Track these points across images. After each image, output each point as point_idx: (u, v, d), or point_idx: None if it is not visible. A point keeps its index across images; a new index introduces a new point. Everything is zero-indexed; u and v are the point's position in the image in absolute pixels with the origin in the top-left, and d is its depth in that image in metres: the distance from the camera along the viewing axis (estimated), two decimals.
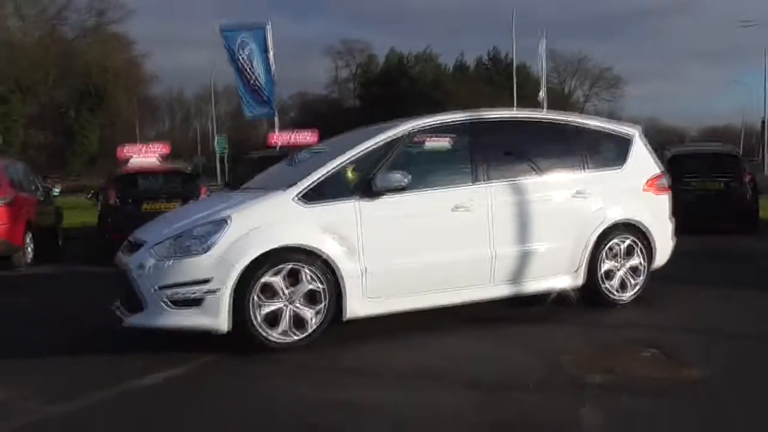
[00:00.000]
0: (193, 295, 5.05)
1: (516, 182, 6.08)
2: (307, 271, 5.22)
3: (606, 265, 6.42)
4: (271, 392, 4.41)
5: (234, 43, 15.88)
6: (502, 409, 4.01)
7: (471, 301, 5.94)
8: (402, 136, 5.76)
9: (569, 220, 6.28)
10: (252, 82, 16.00)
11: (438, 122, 6.07)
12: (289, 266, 5.18)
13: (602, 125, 6.90)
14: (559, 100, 56.89)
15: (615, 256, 6.47)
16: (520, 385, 4.37)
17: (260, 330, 5.12)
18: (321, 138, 13.46)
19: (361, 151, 5.62)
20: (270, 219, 5.26)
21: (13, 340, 6.00)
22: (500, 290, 6.04)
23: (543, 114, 6.61)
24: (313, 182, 5.41)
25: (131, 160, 12.29)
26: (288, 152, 12.27)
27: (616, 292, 6.48)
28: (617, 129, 6.93)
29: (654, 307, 6.42)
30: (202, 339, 5.23)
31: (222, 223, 5.16)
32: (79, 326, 6.34)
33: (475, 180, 5.93)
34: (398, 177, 5.46)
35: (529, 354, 5.08)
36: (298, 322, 5.23)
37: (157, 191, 11.66)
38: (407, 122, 5.97)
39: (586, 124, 6.80)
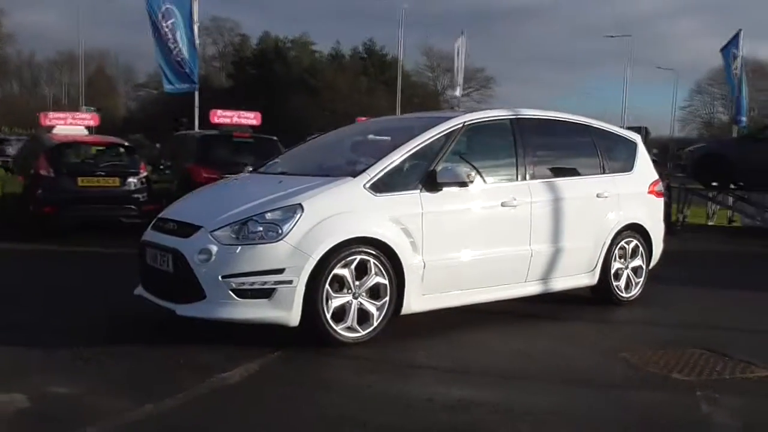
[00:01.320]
0: (263, 286, 4.73)
1: (551, 181, 6.19)
2: (375, 263, 5.04)
3: (616, 265, 6.69)
4: (358, 389, 4.22)
5: (158, 11, 14.89)
6: (618, 407, 4.07)
7: (508, 298, 5.98)
8: (456, 128, 5.68)
9: (592, 220, 6.48)
10: (175, 53, 15.09)
11: (489, 118, 6.04)
12: (359, 258, 4.97)
13: (616, 129, 7.17)
14: (431, 97, 58.23)
15: (623, 256, 6.76)
16: (612, 382, 4.47)
17: (329, 324, 4.88)
18: (264, 121, 12.96)
19: (423, 141, 5.48)
20: (342, 208, 5.01)
21: (38, 328, 5.37)
22: (532, 288, 6.13)
23: (570, 115, 6.76)
24: (381, 171, 5.22)
25: (55, 129, 11.18)
26: (226, 132, 11.78)
27: (623, 292, 6.78)
28: (626, 134, 7.24)
29: (659, 306, 6.76)
30: (252, 331, 4.94)
31: (295, 209, 4.86)
32: (103, 312, 5.87)
33: (519, 177, 5.97)
34: (465, 171, 5.39)
35: (591, 351, 5.18)
36: (362, 316, 5.04)
37: (95, 165, 10.76)
38: (460, 115, 5.89)
39: (605, 127, 7.04)
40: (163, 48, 15.16)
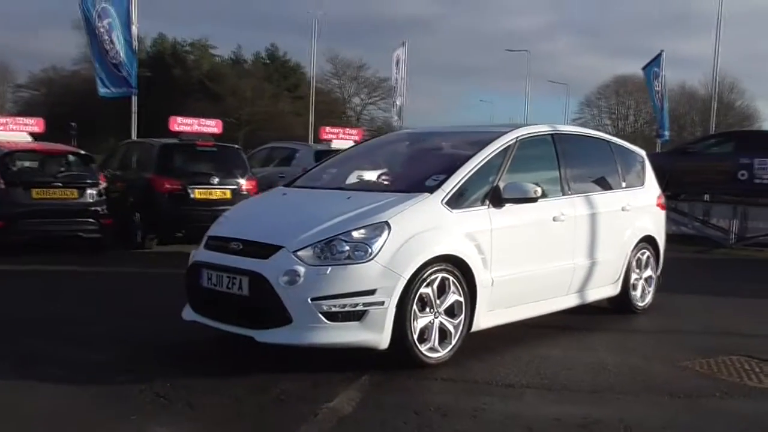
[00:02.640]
0: (354, 308, 4.53)
1: (588, 196, 6.31)
2: (453, 281, 4.95)
3: (633, 276, 6.91)
4: (475, 412, 4.10)
5: (93, 10, 14.07)
6: (721, 419, 4.18)
7: (554, 311, 6.04)
8: (512, 143, 5.67)
9: (618, 233, 6.66)
10: (111, 56, 14.30)
11: (537, 133, 6.07)
12: (440, 276, 4.87)
13: (627, 144, 7.40)
14: (337, 105, 58.22)
15: (638, 267, 6.99)
16: (697, 392, 4.58)
17: (416, 345, 4.74)
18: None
19: (487, 156, 5.43)
20: (426, 225, 4.89)
21: (76, 362, 4.90)
22: (571, 300, 6.23)
23: (598, 132, 6.92)
24: (455, 187, 5.13)
25: None
26: (187, 140, 11.25)
27: (639, 301, 7.01)
28: (635, 149, 7.48)
29: (671, 314, 7.02)
30: (309, 354, 4.80)
31: (382, 228, 4.69)
32: (140, 339, 5.49)
33: (563, 191, 6.04)
34: (531, 187, 5.38)
35: (653, 362, 5.30)
36: (441, 336, 4.94)
37: (50, 175, 9.98)
38: (512, 129, 5.88)
39: (620, 142, 7.25)
40: (98, 49, 14.36)
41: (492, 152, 5.48)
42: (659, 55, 17.97)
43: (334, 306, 4.50)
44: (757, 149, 13.89)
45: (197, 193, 10.80)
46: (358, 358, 4.79)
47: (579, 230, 6.13)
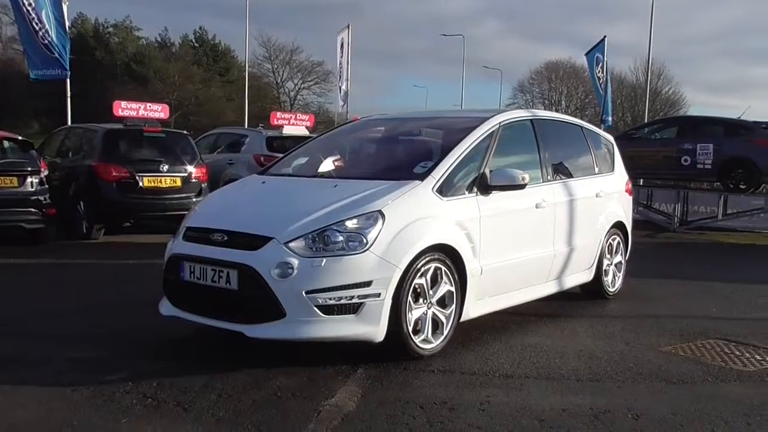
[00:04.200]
0: (350, 301, 4.35)
1: (566, 182, 6.28)
2: (445, 271, 4.83)
3: (605, 261, 6.95)
4: (481, 405, 3.99)
5: None
6: (721, 403, 4.19)
7: (535, 299, 6.00)
8: (495, 129, 5.57)
9: (593, 219, 6.68)
10: (41, 35, 13.53)
11: (517, 118, 5.99)
12: (434, 266, 4.74)
13: (598, 130, 7.41)
14: (269, 90, 57.33)
15: (609, 252, 7.04)
16: (690, 378, 4.61)
17: (410, 337, 4.61)
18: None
19: (473, 142, 5.31)
20: (419, 214, 4.74)
21: (49, 362, 4.55)
22: (551, 287, 6.21)
23: (571, 117, 6.89)
24: (444, 174, 4.99)
25: None
26: (133, 126, 10.75)
27: (610, 286, 7.06)
28: (605, 135, 7.51)
29: (640, 299, 7.10)
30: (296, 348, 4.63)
31: (376, 217, 4.52)
32: (116, 336, 5.15)
33: (543, 178, 5.99)
34: (519, 173, 5.29)
35: (632, 346, 5.32)
36: (433, 326, 4.82)
37: None
38: (495, 114, 5.78)
39: (592, 128, 7.25)
40: (26, 29, 13.58)
41: (477, 138, 5.37)
42: (602, 41, 18.23)
43: (330, 299, 4.31)
44: (699, 135, 14.29)
45: (146, 181, 10.36)
46: (348, 351, 4.66)
47: (559, 217, 6.11)
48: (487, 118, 5.64)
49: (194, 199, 10.77)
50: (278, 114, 12.75)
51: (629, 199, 7.51)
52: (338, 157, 5.88)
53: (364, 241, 4.41)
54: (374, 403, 3.97)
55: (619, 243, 7.19)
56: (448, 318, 4.89)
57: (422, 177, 4.93)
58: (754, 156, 13.86)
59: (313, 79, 55.82)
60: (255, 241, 4.45)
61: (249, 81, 35.60)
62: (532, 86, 61.91)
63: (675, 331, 5.84)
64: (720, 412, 4.04)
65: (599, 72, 18.43)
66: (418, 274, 4.62)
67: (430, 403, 3.97)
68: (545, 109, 61.03)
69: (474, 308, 5.18)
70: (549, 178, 6.04)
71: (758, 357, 5.18)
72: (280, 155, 11.68)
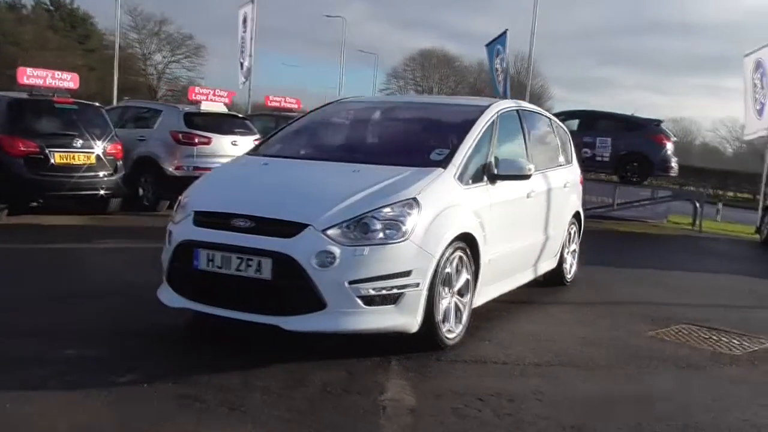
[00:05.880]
0: (390, 291, 4.21)
1: (545, 173, 6.41)
2: (465, 259, 4.79)
3: (566, 250, 7.20)
4: (529, 393, 3.99)
5: None
6: (730, 385, 4.46)
7: (516, 287, 6.08)
8: (495, 118, 5.56)
9: (562, 209, 6.88)
10: None
11: (508, 108, 5.98)
12: (458, 255, 4.68)
13: (559, 122, 7.59)
14: (135, 61, 54.33)
15: (569, 241, 7.29)
16: (687, 362, 4.86)
17: (440, 327, 4.53)
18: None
19: (480, 130, 5.27)
20: (448, 201, 4.63)
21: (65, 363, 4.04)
22: (529, 275, 6.33)
23: (541, 109, 6.99)
24: (461, 162, 4.92)
25: None
26: (41, 96, 9.80)
27: (568, 274, 7.32)
28: (564, 126, 7.71)
29: (594, 286, 7.41)
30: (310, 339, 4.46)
31: (411, 204, 4.37)
32: (120, 332, 4.66)
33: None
34: (525, 163, 5.32)
35: (620, 332, 5.54)
36: (455, 315, 4.77)
37: None
38: (494, 103, 5.77)
39: (557, 120, 7.42)
40: None
41: (484, 126, 5.35)
42: (504, 33, 18.69)
43: (372, 289, 4.15)
44: (599, 129, 15.10)
45: (58, 158, 9.50)
46: (367, 341, 4.45)
47: (542, 206, 6.23)
48: (487, 106, 5.62)
49: (108, 178, 10.04)
50: (196, 89, 12.09)
51: (581, 189, 7.79)
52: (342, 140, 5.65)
53: (403, 229, 4.27)
54: (430, 397, 3.87)
55: (575, 232, 7.45)
56: (465, 307, 4.85)
57: (443, 164, 4.83)
58: (648, 151, 14.84)
59: (183, 53, 53.37)
60: (289, 228, 4.18)
61: (113, 51, 33.44)
62: (406, 72, 62.81)
63: (646, 317, 6.13)
64: (739, 393, 4.29)
65: (498, 64, 18.95)
66: (448, 263, 4.55)
67: (487, 395, 3.91)
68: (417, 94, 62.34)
69: (478, 297, 5.18)
70: (534, 167, 6.11)
71: (736, 341, 5.54)
72: (199, 132, 11.32)
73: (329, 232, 4.16)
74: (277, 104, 15.97)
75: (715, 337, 5.62)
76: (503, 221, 5.40)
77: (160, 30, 52.42)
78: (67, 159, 9.60)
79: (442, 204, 4.58)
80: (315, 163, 5.11)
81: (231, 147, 11.63)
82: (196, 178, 10.84)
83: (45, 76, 10.13)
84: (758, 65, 16.85)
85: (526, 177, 5.34)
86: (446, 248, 4.48)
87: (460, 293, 4.81)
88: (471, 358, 4.56)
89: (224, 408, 3.55)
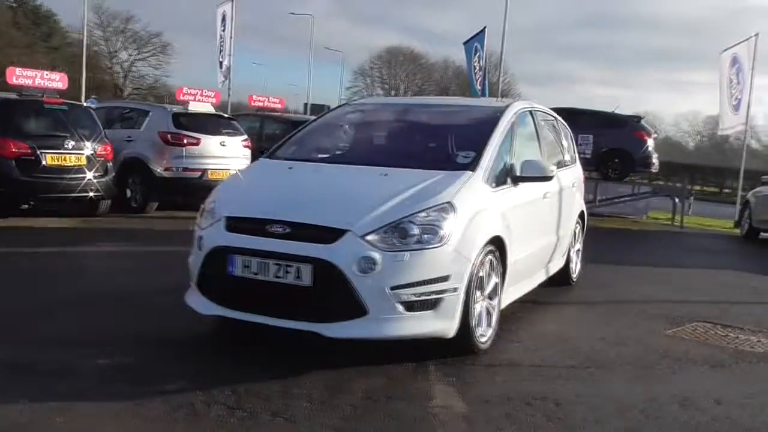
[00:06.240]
0: (429, 297, 4.18)
1: (556, 173, 6.41)
2: (495, 262, 4.79)
3: (572, 249, 7.25)
4: (571, 397, 4.00)
5: None
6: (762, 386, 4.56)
7: (532, 288, 6.10)
8: (513, 119, 5.57)
9: (571, 208, 6.92)
10: None
11: (523, 108, 5.96)
12: (489, 258, 4.68)
13: (563, 121, 7.63)
14: (100, 59, 53.40)
15: (575, 240, 7.34)
16: (713, 360, 4.93)
17: (474, 331, 4.53)
18: (71, 83, 10.69)
19: (502, 132, 5.26)
20: (480, 205, 4.62)
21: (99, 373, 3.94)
22: (542, 276, 6.35)
23: (548, 109, 7.00)
24: (488, 164, 4.91)
25: None
26: (31, 96, 9.57)
27: (574, 273, 7.38)
28: (566, 125, 7.75)
29: (600, 286, 7.48)
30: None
31: (446, 209, 4.35)
32: (142, 338, 4.57)
33: None
34: (547, 165, 5.34)
35: (640, 331, 5.60)
36: (486, 320, 4.77)
37: None
38: (510, 104, 5.77)
39: (560, 119, 7.45)
40: None
41: (505, 128, 5.34)
42: (482, 31, 18.75)
43: (413, 295, 4.12)
44: (580, 126, 15.18)
45: (49, 159, 9.29)
46: (395, 346, 4.41)
47: (555, 207, 6.26)
48: (506, 108, 5.63)
49: (99, 180, 9.85)
50: (184, 89, 11.88)
51: (583, 187, 7.85)
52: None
53: (440, 233, 4.25)
54: (478, 402, 3.86)
55: (579, 231, 7.51)
56: (494, 310, 4.86)
57: (471, 167, 4.82)
58: (629, 147, 15.03)
59: (149, 51, 52.55)
60: (327, 234, 4.13)
61: (78, 49, 32.65)
62: (373, 70, 62.77)
63: (660, 316, 6.20)
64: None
65: (477, 62, 18.99)
66: (482, 267, 4.55)
67: (533, 399, 3.91)
68: (385, 94, 62.33)
69: (503, 300, 5.18)
70: None
71: (754, 338, 5.64)
72: (188, 133, 11.15)
73: (369, 237, 4.12)
74: (260, 104, 15.81)
75: (732, 335, 5.71)
76: (525, 223, 5.41)
77: (126, 27, 51.56)
78: (58, 160, 9.39)
79: (475, 208, 4.56)
80: (342, 167, 5.06)
81: (220, 148, 11.51)
82: (185, 179, 11.14)
83: (34, 76, 9.91)
84: (734, 61, 17.20)
85: (549, 179, 5.36)
86: (480, 252, 4.47)
87: (490, 296, 4.81)
88: (506, 362, 4.57)
89: (268, 415, 3.51)
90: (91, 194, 9.81)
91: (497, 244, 4.78)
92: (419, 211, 4.27)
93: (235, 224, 4.42)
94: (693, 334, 5.68)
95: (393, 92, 60.77)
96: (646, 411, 3.88)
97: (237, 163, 11.66)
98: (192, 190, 11.29)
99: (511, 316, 5.61)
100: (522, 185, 5.30)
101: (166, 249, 8.07)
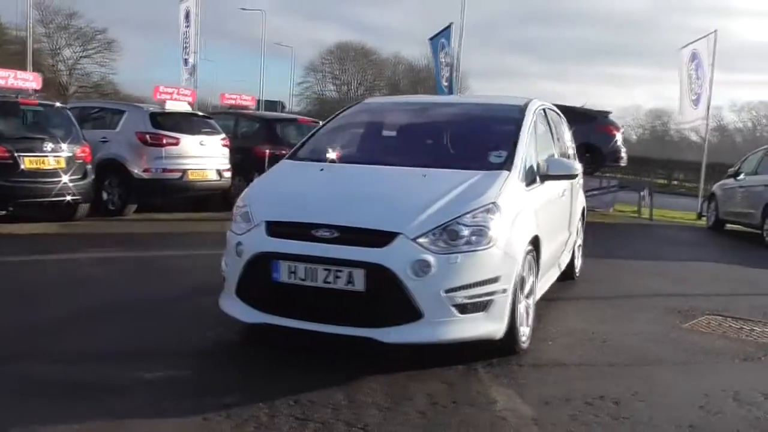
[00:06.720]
0: (480, 299, 4.14)
1: None
2: (532, 261, 4.79)
3: (575, 245, 7.32)
4: (632, 397, 4.01)
5: None
6: None
7: (550, 285, 6.13)
8: (535, 118, 5.57)
9: (577, 204, 6.98)
10: None
11: (540, 105, 5.95)
12: (529, 258, 4.67)
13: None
14: (43, 57, 51.61)
15: (578, 236, 7.42)
16: (744, 354, 5.02)
17: (518, 331, 4.51)
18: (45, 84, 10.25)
19: (527, 130, 5.24)
20: (519, 204, 4.60)
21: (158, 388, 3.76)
22: (556, 271, 6.37)
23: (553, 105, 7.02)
24: (522, 163, 4.89)
25: None
26: (6, 96, 9.17)
27: (577, 268, 7.46)
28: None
29: (603, 281, 7.57)
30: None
31: (492, 209, 4.31)
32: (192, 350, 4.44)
33: None
34: (573, 163, 5.36)
35: (659, 326, 5.68)
36: (526, 318, 4.76)
37: None
38: (529, 102, 5.74)
39: (564, 118, 7.48)
40: None
41: (530, 126, 5.34)
42: (448, 26, 18.77)
43: (466, 297, 4.08)
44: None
45: (27, 162, 8.92)
46: (436, 349, 4.33)
47: (568, 204, 6.31)
48: (526, 105, 5.61)
49: (78, 183, 9.50)
50: (161, 88, 11.55)
51: (582, 183, 7.93)
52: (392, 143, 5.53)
53: (489, 234, 4.21)
54: (539, 404, 3.83)
55: (581, 226, 7.58)
56: (531, 309, 4.85)
57: (507, 166, 4.79)
58: (599, 142, 15.25)
59: (94, 48, 50.98)
60: (379, 237, 4.05)
61: (19, 46, 31.53)
62: (324, 66, 62.30)
63: (671, 310, 6.29)
64: None
65: (443, 58, 19.01)
66: (525, 267, 4.53)
67: (592, 399, 3.91)
68: (336, 89, 62.06)
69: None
70: None
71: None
72: (167, 133, 10.85)
73: (420, 240, 4.06)
74: (232, 102, 15.52)
75: (746, 327, 5.83)
76: (551, 220, 5.45)
77: (69, 24, 49.93)
78: (37, 164, 9.02)
79: (516, 207, 4.54)
80: (377, 168, 4.96)
81: (199, 147, 11.26)
82: (165, 180, 10.84)
83: (6, 77, 9.47)
84: (693, 56, 17.65)
85: (574, 176, 5.38)
86: (524, 252, 4.46)
87: (527, 296, 4.80)
88: (549, 362, 4.56)
89: (342, 425, 3.43)
90: (69, 198, 9.45)
91: (534, 243, 4.78)
92: (466, 213, 4.23)
93: (278, 229, 4.29)
94: (709, 327, 5.78)
95: (345, 87, 60.55)
96: (703, 406, 3.93)
97: (216, 162, 11.48)
98: (172, 191, 11.08)
99: None
100: (547, 183, 5.31)
101: (157, 254, 7.86)
